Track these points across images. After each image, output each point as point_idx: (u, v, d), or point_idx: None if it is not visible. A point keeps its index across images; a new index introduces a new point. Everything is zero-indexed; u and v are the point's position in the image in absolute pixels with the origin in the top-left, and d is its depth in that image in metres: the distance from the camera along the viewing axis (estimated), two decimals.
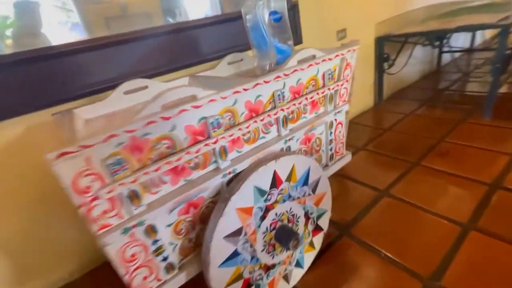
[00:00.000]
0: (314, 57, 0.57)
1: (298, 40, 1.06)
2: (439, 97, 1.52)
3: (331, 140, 0.69)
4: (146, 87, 0.64)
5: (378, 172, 0.96)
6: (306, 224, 0.60)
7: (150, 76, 0.71)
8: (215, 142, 0.44)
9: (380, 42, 1.41)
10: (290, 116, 0.57)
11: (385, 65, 1.46)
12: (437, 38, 1.67)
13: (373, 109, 1.51)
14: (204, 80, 0.66)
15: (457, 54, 2.08)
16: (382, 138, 1.19)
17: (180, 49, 0.77)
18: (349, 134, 1.28)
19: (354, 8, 1.24)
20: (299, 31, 1.04)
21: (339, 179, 0.95)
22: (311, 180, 0.57)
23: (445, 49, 1.82)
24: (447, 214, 0.72)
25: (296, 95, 0.57)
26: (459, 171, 0.88)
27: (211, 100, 0.42)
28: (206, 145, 0.43)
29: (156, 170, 0.39)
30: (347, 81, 0.64)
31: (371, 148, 1.12)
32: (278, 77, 0.50)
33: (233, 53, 0.78)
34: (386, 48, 1.43)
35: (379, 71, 1.47)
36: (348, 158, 0.76)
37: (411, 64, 1.62)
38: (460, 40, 1.97)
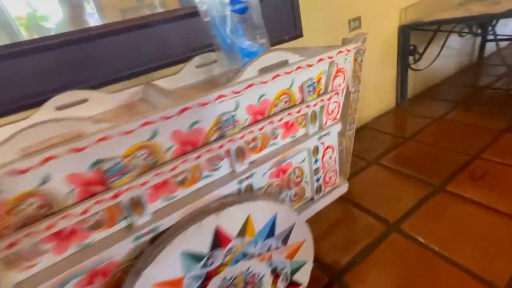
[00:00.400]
0: (286, 63, 0.41)
1: (298, 33, 0.88)
2: (478, 97, 1.25)
3: (317, 170, 0.52)
4: (85, 100, 0.52)
5: (390, 197, 0.78)
6: (274, 283, 0.46)
7: (99, 86, 0.59)
8: (115, 196, 0.31)
9: (405, 31, 1.18)
10: (251, 145, 0.42)
11: (411, 59, 1.23)
12: (479, 25, 1.38)
13: (393, 111, 1.29)
14: (156, 92, 0.53)
15: (504, 44, 1.74)
16: (401, 149, 0.98)
17: (142, 49, 0.65)
18: (361, 143, 1.09)
19: None
20: (298, 22, 0.86)
21: (340, 203, 0.78)
22: (279, 230, 0.43)
23: (489, 37, 1.51)
24: (476, 269, 0.54)
25: (259, 117, 0.41)
26: (499, 203, 0.67)
27: (102, 139, 0.28)
28: (98, 202, 0.30)
29: (8, 247, 0.26)
30: (337, 93, 0.48)
31: (385, 163, 0.93)
32: (222, 96, 0.35)
33: (205, 53, 0.64)
34: (413, 38, 1.20)
35: (403, 66, 1.24)
36: (343, 188, 0.60)
37: (444, 56, 1.36)
38: (509, 26, 1.64)
